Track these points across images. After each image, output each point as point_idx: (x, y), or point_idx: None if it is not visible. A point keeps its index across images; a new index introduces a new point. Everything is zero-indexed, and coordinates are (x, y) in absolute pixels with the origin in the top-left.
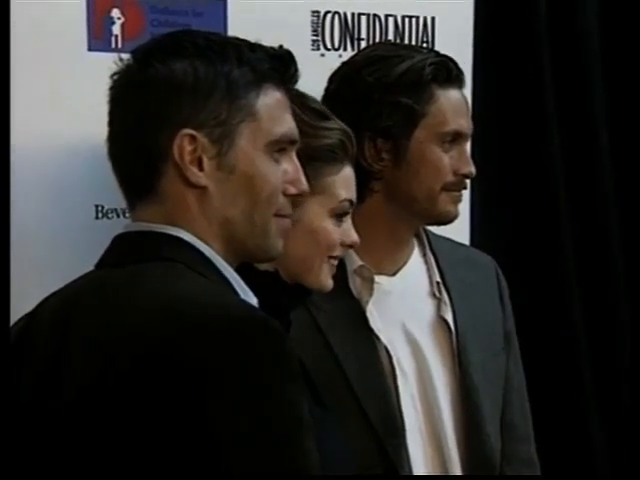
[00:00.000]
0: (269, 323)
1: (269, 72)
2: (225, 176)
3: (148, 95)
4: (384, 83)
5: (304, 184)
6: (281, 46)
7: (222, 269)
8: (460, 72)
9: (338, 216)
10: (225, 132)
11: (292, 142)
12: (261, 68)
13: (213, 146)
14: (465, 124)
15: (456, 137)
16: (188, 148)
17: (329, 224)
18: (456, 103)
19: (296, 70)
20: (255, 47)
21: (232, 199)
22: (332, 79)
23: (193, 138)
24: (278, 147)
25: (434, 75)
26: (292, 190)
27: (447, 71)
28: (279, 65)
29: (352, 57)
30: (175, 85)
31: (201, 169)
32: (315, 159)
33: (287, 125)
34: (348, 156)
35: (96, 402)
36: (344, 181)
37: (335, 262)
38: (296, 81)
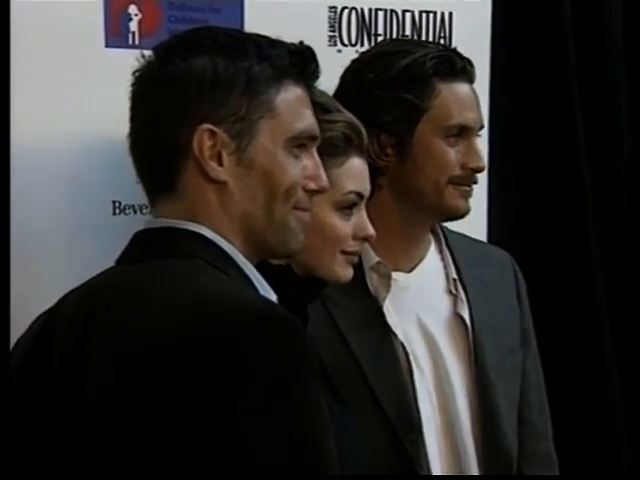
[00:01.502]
0: (289, 320)
1: (289, 68)
2: (244, 171)
3: (168, 91)
4: (385, 79)
5: (324, 180)
6: (301, 42)
7: (242, 265)
8: (467, 65)
9: (345, 209)
10: (244, 127)
11: (312, 138)
12: (281, 64)
13: (232, 141)
14: (472, 117)
15: (462, 131)
16: (208, 143)
17: (334, 217)
18: (461, 96)
19: (317, 66)
20: (275, 43)
21: (251, 194)
22: (342, 76)
23: (213, 133)
24: (297, 143)
25: (436, 69)
26: (312, 186)
27: (450, 64)
28: (299, 61)
29: (360, 54)
30: (195, 81)
31: (220, 164)
32: (318, 151)
33: (307, 121)
34: (354, 147)
35: (118, 399)
36: (349, 173)
37: (352, 256)
38: (317, 77)
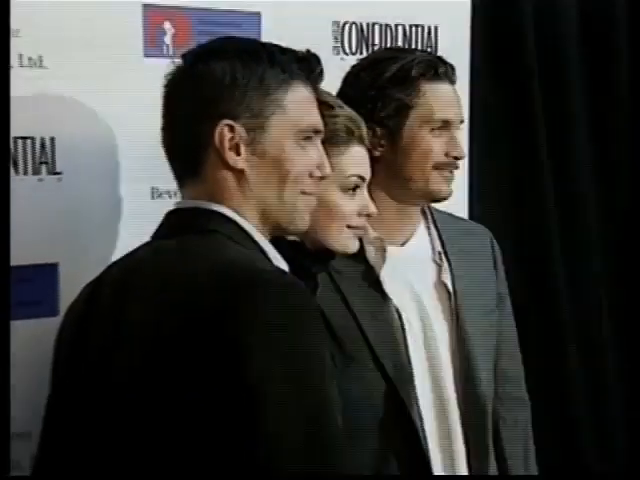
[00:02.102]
0: (297, 285)
1: (297, 72)
2: (259, 160)
3: (194, 91)
4: (379, 81)
5: (327, 168)
6: (308, 50)
7: (258, 240)
8: (449, 69)
9: (349, 190)
10: (259, 123)
11: (317, 131)
12: (290, 68)
13: (248, 134)
14: (453, 113)
15: (445, 124)
16: (227, 136)
17: (340, 197)
18: (443, 95)
19: (321, 70)
20: (285, 50)
21: (265, 180)
22: (344, 79)
23: (231, 128)
24: (304, 136)
25: (421, 72)
26: (317, 173)
27: (434, 68)
28: (306, 66)
29: (358, 61)
30: (216, 82)
31: (238, 154)
32: (322, 142)
33: (312, 117)
34: (355, 137)
35: (153, 353)
36: (351, 159)
37: (358, 230)
38: (321, 79)
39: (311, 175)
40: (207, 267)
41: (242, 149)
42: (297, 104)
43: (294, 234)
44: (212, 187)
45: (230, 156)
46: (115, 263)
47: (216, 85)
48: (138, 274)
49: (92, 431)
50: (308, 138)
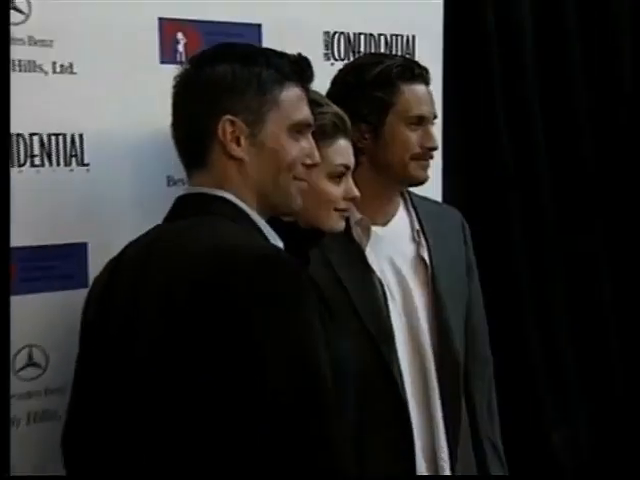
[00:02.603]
0: (290, 261)
1: (290, 73)
2: (257, 150)
3: (200, 91)
4: (362, 83)
5: (317, 157)
6: (300, 53)
7: (256, 221)
8: (424, 72)
9: (336, 177)
10: (257, 118)
11: (308, 125)
12: (284, 70)
13: (248, 128)
14: (427, 110)
15: (421, 120)
16: (229, 129)
17: (328, 184)
18: (419, 94)
19: (311, 72)
20: (280, 54)
21: (262, 168)
22: (332, 81)
23: (232, 122)
24: (297, 129)
25: (399, 74)
26: (308, 161)
27: (411, 71)
28: (298, 68)
29: (344, 65)
30: (219, 83)
31: (239, 145)
32: (312, 135)
33: (304, 113)
34: (340, 131)
35: (167, 317)
36: (337, 150)
37: (345, 213)
38: (312, 80)
39: (303, 163)
40: (212, 245)
41: (242, 141)
42: (291, 101)
43: (288, 214)
44: (216, 175)
45: (232, 147)
46: (134, 241)
47: (219, 85)
48: (152, 251)
49: (113, 383)
50: (300, 131)
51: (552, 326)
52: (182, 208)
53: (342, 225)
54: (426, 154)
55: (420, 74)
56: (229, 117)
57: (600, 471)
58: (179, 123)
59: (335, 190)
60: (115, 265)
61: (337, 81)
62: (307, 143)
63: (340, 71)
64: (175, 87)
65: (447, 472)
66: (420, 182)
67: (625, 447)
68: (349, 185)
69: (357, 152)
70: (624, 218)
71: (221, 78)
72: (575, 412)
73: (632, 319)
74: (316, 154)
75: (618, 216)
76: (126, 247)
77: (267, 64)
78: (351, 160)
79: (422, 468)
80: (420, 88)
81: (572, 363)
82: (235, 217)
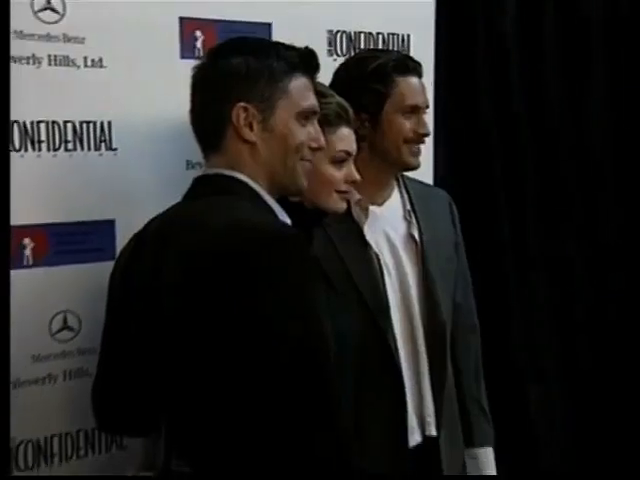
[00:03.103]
0: (298, 236)
1: (299, 64)
2: (268, 135)
3: (216, 80)
4: (362, 75)
5: (322, 141)
6: (307, 47)
7: (266, 199)
8: (417, 65)
9: (338, 162)
10: (268, 105)
11: (314, 112)
12: (293, 61)
13: (260, 114)
14: (421, 100)
15: (414, 109)
16: (242, 115)
17: (329, 168)
18: (413, 86)
19: (317, 63)
20: (289, 47)
21: (273, 150)
22: (335, 74)
23: (246, 109)
24: (304, 116)
25: (395, 68)
26: (314, 144)
27: (405, 65)
28: (306, 60)
29: (345, 60)
30: (234, 73)
31: (252, 130)
32: (318, 122)
33: (310, 100)
34: (343, 120)
35: (190, 284)
36: (340, 137)
37: (346, 195)
38: (318, 71)
39: (309, 146)
40: (231, 221)
41: (255, 126)
42: (299, 90)
43: (295, 194)
44: (230, 157)
45: (245, 132)
46: (155, 218)
47: (234, 75)
48: (173, 226)
49: (137, 342)
50: (307, 117)
51: (531, 291)
52: (200, 187)
53: (343, 206)
54: (419, 140)
55: (414, 68)
56: (243, 104)
57: (571, 428)
58: (197, 110)
59: (337, 174)
60: (140, 237)
61: (339, 74)
62: (313, 128)
63: (342, 65)
64: (193, 77)
65: (433, 427)
66: (412, 168)
67: (594, 405)
68: (350, 170)
69: (358, 138)
70: (606, 189)
71: (236, 69)
72: (548, 371)
73: (603, 284)
74: (321, 138)
75: (599, 189)
76: (150, 222)
77: (277, 56)
78: (353, 147)
79: (413, 423)
80: (414, 80)
81: (547, 325)
82: (248, 196)
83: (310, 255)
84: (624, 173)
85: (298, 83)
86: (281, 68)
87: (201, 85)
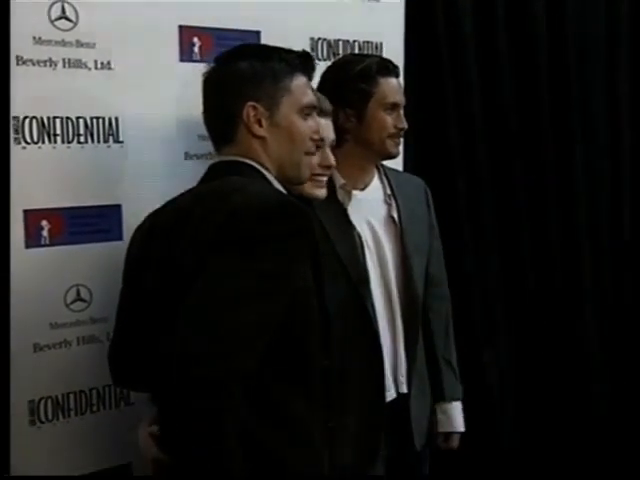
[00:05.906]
0: (303, 207)
1: (298, 65)
2: (275, 129)
3: (226, 83)
4: (348, 76)
5: (322, 132)
6: (304, 50)
7: (274, 184)
8: (395, 67)
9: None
10: (274, 103)
11: (314, 107)
12: (293, 63)
13: (267, 112)
14: (399, 98)
15: (394, 106)
16: (252, 113)
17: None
18: (393, 86)
19: (314, 64)
20: (289, 51)
21: (280, 144)
22: (323, 76)
23: (254, 107)
24: (305, 111)
25: (378, 70)
26: (316, 136)
27: (386, 67)
28: (304, 61)
29: (332, 63)
30: (241, 76)
31: (260, 126)
32: None
33: (310, 97)
34: (323, 113)
35: (203, 241)
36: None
37: (321, 178)
38: (314, 70)
39: (311, 138)
40: (241, 197)
41: (263, 122)
42: (299, 88)
43: (297, 184)
44: (242, 149)
45: (255, 128)
46: (168, 202)
47: (241, 78)
48: (195, 200)
49: (152, 303)
50: (308, 112)
51: (486, 265)
52: (216, 172)
53: (323, 193)
54: (399, 133)
55: (393, 69)
56: (252, 103)
57: (521, 390)
58: (210, 110)
59: (314, 159)
60: (154, 217)
61: (328, 75)
62: (313, 122)
63: (329, 67)
64: (205, 81)
65: (405, 385)
66: (393, 156)
67: (542, 370)
68: (326, 154)
69: (344, 132)
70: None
71: (243, 72)
72: (500, 336)
73: (551, 255)
74: (321, 130)
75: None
76: (163, 206)
77: (279, 59)
78: (329, 135)
79: (389, 382)
80: (394, 81)
81: (499, 293)
82: (260, 179)
83: (313, 226)
84: (567, 167)
85: (298, 82)
86: (283, 69)
87: (213, 88)
